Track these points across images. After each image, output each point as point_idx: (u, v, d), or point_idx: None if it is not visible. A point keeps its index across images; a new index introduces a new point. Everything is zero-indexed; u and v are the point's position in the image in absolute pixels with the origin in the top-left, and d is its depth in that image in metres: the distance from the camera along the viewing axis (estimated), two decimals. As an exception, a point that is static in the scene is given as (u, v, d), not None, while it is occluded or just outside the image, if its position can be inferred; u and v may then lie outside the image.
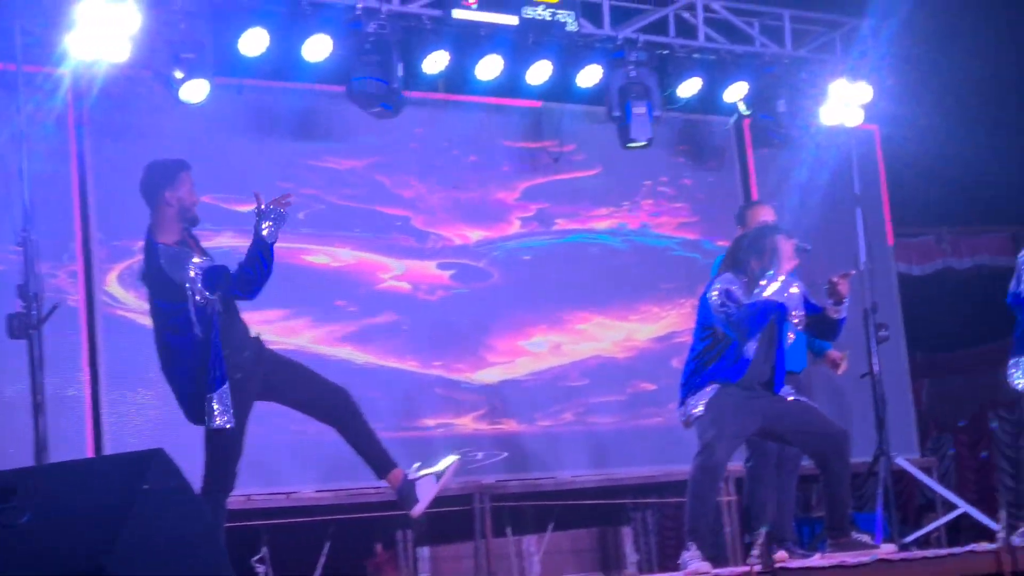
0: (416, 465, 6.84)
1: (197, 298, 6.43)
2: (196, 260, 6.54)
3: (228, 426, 6.42)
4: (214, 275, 6.52)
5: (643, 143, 10.83)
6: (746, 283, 7.08)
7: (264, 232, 6.51)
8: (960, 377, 15.05)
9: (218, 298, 6.49)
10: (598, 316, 11.39)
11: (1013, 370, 7.85)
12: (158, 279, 6.53)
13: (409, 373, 10.56)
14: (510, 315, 11.05)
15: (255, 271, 6.57)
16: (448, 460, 6.82)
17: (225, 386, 6.42)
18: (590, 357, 11.28)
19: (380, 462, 6.79)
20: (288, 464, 9.67)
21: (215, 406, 6.40)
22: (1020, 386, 7.84)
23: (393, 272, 10.64)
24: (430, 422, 10.55)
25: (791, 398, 7.18)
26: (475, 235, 11.03)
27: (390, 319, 10.50)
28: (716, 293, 7.07)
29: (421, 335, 10.67)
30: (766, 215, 8.18)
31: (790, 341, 7.30)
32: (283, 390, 6.75)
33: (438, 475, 6.76)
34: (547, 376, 11.10)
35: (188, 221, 6.67)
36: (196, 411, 6.48)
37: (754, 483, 8.00)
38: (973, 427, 14.94)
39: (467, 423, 10.71)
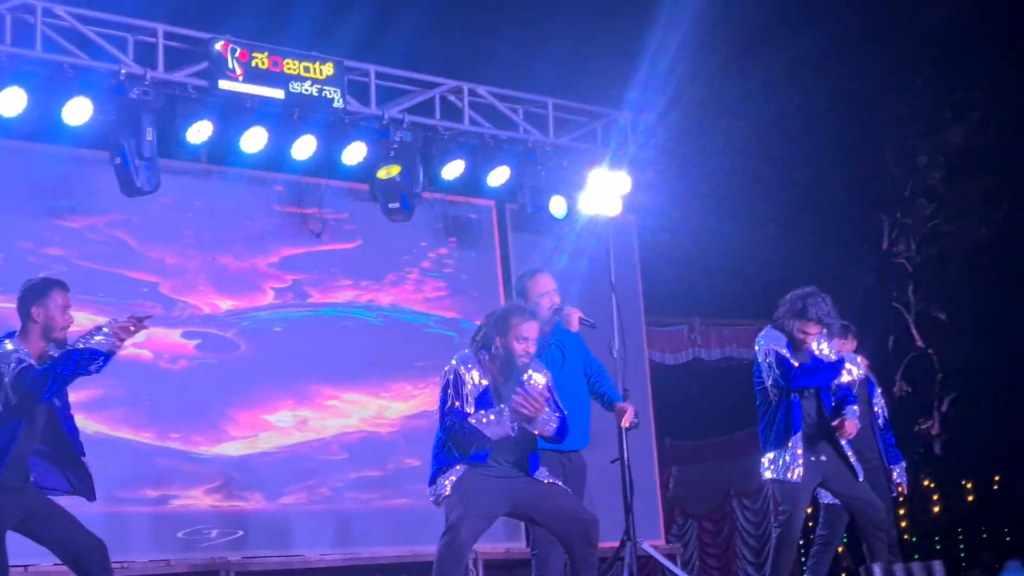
0: None
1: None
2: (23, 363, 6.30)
3: None
4: (21, 378, 6.27)
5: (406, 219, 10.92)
6: (488, 360, 7.05)
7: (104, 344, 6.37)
8: (706, 465, 15.37)
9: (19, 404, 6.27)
10: (348, 392, 11.30)
11: (766, 465, 8.05)
12: None
13: (143, 444, 10.28)
14: (256, 388, 10.88)
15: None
16: None
17: None
18: (342, 433, 11.16)
19: None
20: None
21: None
22: (766, 477, 8.07)
23: (134, 339, 10.36)
24: (153, 494, 10.27)
25: (547, 481, 7.17)
26: (226, 304, 10.86)
27: (128, 388, 10.19)
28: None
29: (160, 405, 10.41)
30: (545, 283, 8.04)
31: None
32: (39, 525, 6.45)
33: None
34: (297, 451, 10.94)
35: (54, 341, 6.53)
36: None
37: (543, 568, 7.91)
38: (717, 514, 15.25)
39: (199, 497, 10.47)
